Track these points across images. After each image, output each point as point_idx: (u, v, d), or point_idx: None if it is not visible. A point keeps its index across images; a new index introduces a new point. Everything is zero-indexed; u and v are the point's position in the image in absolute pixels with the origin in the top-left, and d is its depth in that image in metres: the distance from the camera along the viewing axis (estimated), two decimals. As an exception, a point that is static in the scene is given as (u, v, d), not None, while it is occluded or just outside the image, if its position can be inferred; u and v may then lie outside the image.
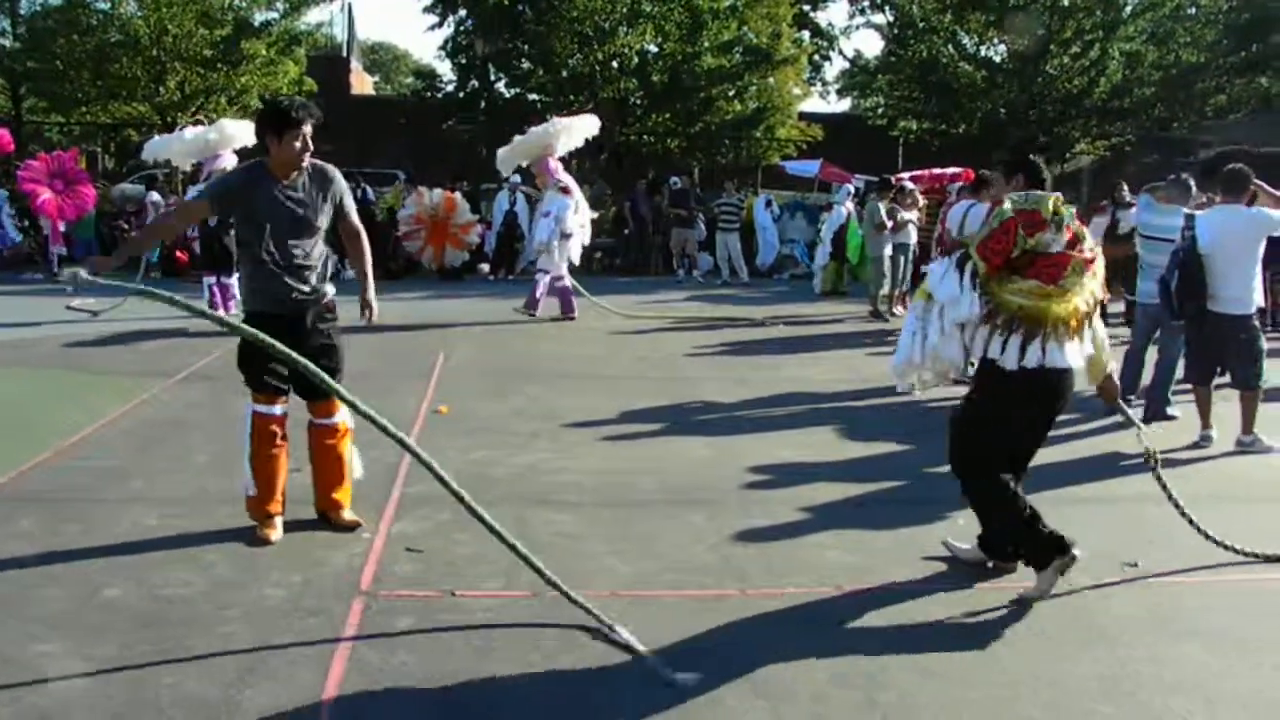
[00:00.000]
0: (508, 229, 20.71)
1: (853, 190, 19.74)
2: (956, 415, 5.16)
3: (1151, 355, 8.90)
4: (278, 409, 5.45)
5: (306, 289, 5.37)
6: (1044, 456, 7.39)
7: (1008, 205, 4.77)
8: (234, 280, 14.32)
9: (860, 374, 10.51)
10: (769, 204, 22.84)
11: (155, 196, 20.67)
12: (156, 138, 12.75)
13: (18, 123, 27.99)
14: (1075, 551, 4.84)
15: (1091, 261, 4.85)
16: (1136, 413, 6.63)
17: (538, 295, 14.18)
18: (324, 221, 5.40)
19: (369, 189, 22.43)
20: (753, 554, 5.40)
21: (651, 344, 12.65)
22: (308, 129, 5.21)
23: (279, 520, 5.48)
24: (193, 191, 14.61)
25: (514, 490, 6.38)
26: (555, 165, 14.23)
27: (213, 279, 14.10)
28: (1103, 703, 3.90)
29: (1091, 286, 4.85)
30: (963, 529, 5.43)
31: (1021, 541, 4.95)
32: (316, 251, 5.42)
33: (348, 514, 5.65)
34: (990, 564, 5.19)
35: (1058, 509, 6.20)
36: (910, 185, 15.89)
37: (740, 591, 4.91)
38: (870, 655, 4.26)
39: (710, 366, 11.19)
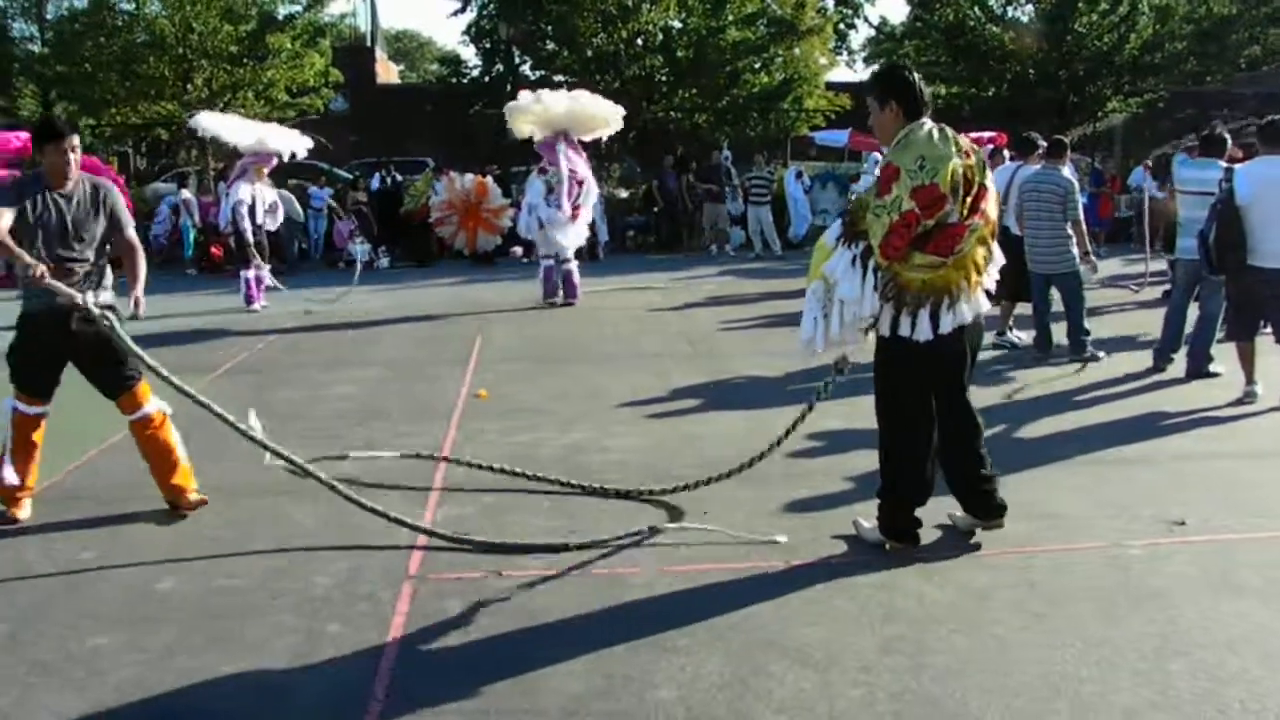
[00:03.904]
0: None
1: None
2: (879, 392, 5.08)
3: (1193, 312, 8.80)
4: (35, 410, 5.74)
5: (73, 291, 5.53)
6: (1086, 418, 7.43)
7: (905, 186, 4.48)
8: (266, 272, 14.51)
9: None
10: (799, 175, 22.75)
11: (186, 194, 20.86)
12: (210, 114, 13.33)
13: (49, 126, 28.20)
14: (890, 548, 4.98)
15: (984, 205, 4.71)
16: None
17: (550, 282, 14.18)
18: (97, 231, 5.63)
19: (398, 176, 22.52)
20: (797, 525, 5.39)
21: (687, 321, 12.64)
22: (74, 140, 5.54)
23: (27, 501, 5.81)
24: (222, 186, 14.78)
25: (559, 470, 6.38)
26: (560, 145, 13.58)
27: (250, 273, 14.28)
28: (1156, 662, 3.87)
29: (986, 229, 4.76)
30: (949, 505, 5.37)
31: (892, 504, 5.00)
32: (89, 258, 5.62)
33: (193, 495, 5.89)
34: (975, 530, 5.14)
35: (1100, 469, 6.20)
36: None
37: (785, 563, 4.91)
38: (917, 621, 4.26)
39: (747, 340, 11.17)
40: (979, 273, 4.79)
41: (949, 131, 4.69)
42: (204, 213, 20.43)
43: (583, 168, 13.86)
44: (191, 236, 20.69)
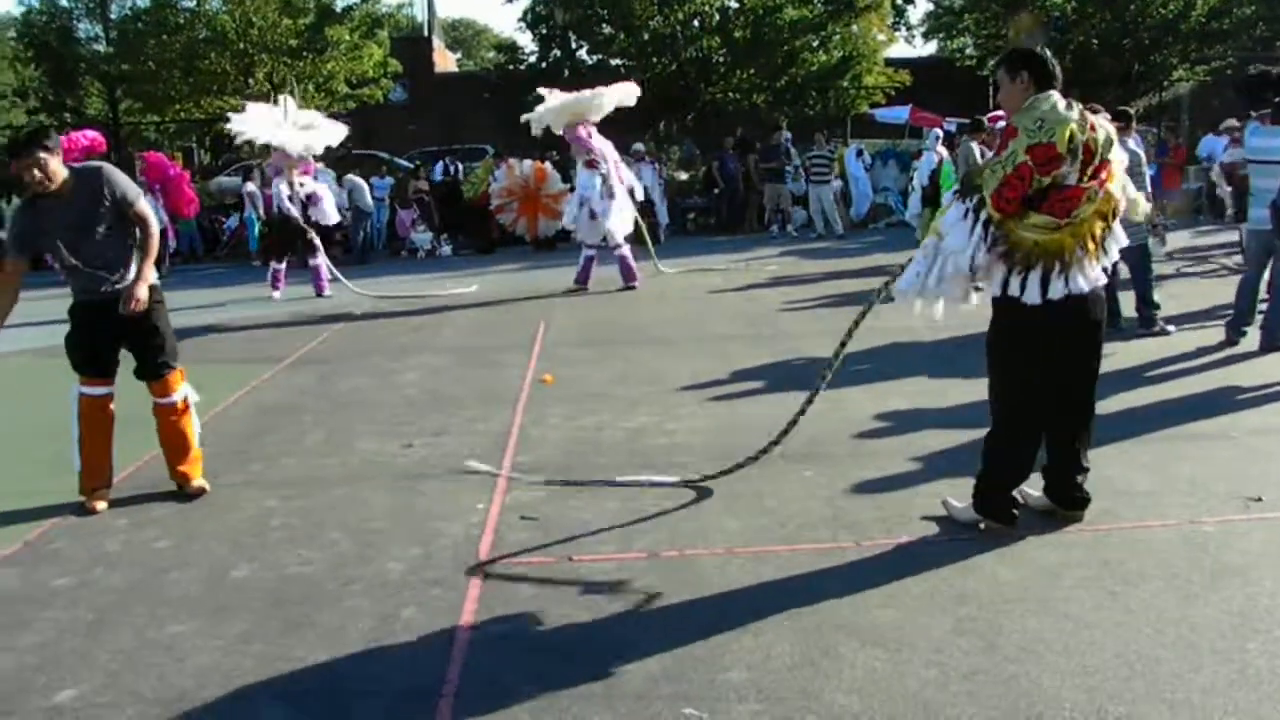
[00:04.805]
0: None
1: (942, 135, 19.42)
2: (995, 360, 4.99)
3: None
4: (98, 390, 5.95)
5: (114, 277, 5.80)
6: (1157, 393, 7.32)
7: (1021, 143, 4.52)
8: (322, 260, 14.86)
9: (962, 318, 10.36)
10: (860, 154, 22.57)
11: (251, 187, 21.12)
12: (242, 116, 13.68)
13: (115, 125, 28.71)
14: (986, 528, 4.92)
15: (1105, 177, 4.68)
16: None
17: (587, 271, 14.29)
18: (104, 218, 5.71)
19: (459, 165, 22.64)
20: (865, 505, 5.37)
21: (750, 302, 12.60)
22: (40, 155, 5.50)
23: (106, 493, 6.03)
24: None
25: (624, 455, 6.41)
26: (584, 134, 13.88)
27: (281, 265, 14.83)
28: (1234, 640, 3.81)
29: (1106, 205, 4.71)
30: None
31: (991, 489, 4.93)
32: (112, 246, 5.77)
33: (197, 482, 6.11)
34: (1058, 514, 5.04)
35: (1173, 445, 6.11)
36: (999, 125, 15.50)
37: (855, 543, 4.89)
38: (990, 601, 4.22)
39: (809, 320, 11.11)
40: (1095, 244, 4.71)
41: (1075, 104, 4.69)
42: (268, 205, 20.68)
43: (611, 152, 14.20)
44: (256, 229, 20.95)
